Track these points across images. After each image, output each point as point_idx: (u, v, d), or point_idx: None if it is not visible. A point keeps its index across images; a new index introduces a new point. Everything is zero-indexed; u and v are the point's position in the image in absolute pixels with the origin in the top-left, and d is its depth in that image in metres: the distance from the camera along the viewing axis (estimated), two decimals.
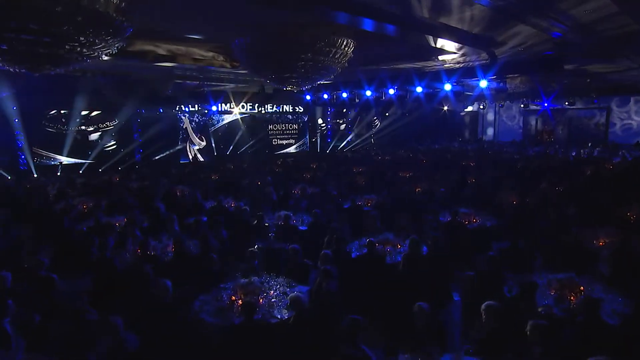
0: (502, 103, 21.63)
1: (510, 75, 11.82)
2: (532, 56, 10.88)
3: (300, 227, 8.69)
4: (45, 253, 8.32)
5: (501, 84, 10.75)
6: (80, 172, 18.54)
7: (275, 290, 5.57)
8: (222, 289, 5.55)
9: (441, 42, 10.26)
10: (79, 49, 7.32)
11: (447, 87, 11.80)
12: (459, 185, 12.23)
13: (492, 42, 10.34)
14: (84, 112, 19.03)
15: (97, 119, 19.62)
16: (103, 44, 7.51)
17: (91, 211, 9.36)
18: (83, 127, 19.26)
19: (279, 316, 5.03)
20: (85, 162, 19.22)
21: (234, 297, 5.42)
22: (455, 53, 11.40)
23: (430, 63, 12.91)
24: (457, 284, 6.53)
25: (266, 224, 8.55)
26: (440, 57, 12.03)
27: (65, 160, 18.71)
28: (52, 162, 18.49)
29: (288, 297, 5.03)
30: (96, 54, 7.72)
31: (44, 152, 18.39)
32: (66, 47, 7.23)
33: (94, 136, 19.56)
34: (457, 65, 12.22)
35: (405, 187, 12.02)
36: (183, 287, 5.75)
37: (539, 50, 10.56)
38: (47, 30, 6.78)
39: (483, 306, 4.40)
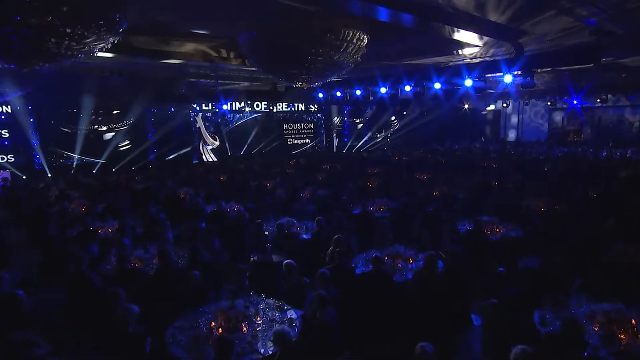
0: (527, 101, 20.22)
1: (538, 70, 10.60)
2: (563, 48, 9.70)
3: (303, 236, 7.81)
4: (32, 260, 7.78)
5: (528, 79, 9.58)
6: (94, 171, 18.22)
7: (263, 315, 4.71)
8: (202, 313, 4.73)
9: (462, 34, 9.23)
10: (66, 42, 6.65)
11: (468, 82, 10.69)
12: (480, 190, 11.11)
13: (519, 33, 9.23)
14: (98, 112, 18.68)
15: (112, 119, 19.25)
16: (94, 38, 6.83)
17: (84, 215, 8.68)
18: (97, 127, 18.92)
19: (262, 351, 4.16)
20: (98, 162, 18.84)
21: (213, 324, 4.58)
22: (477, 46, 10.32)
23: (449, 58, 11.83)
24: (478, 312, 5.52)
25: (266, 232, 7.69)
26: (461, 51, 10.95)
27: (79, 159, 18.38)
28: (66, 162, 18.18)
29: (272, 330, 4.14)
30: (87, 48, 7.05)
31: (58, 152, 18.10)
32: (52, 40, 6.57)
33: (108, 136, 19.18)
34: (479, 60, 11.09)
35: (422, 191, 10.99)
36: (159, 310, 4.96)
37: (571, 41, 9.39)
38: (29, 22, 6.13)
39: (516, 352, 3.42)
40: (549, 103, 18.47)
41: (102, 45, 7.15)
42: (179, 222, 8.87)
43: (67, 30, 6.33)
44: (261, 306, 4.89)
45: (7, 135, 17.24)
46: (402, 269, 6.13)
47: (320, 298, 4.52)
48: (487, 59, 10.72)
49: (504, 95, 17.87)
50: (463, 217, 8.51)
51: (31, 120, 17.62)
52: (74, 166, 18.19)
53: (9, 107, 17.03)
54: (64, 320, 5.34)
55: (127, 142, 19.63)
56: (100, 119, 18.98)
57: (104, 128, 19.10)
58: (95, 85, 16.00)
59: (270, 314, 4.72)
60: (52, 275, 6.75)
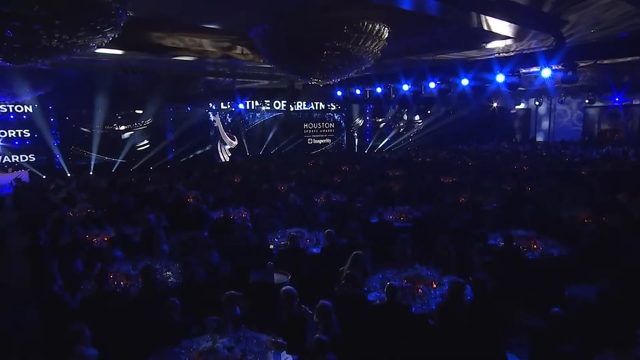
0: (563, 98, 18.59)
1: (582, 63, 9.24)
2: (611, 37, 8.40)
3: (313, 250, 6.86)
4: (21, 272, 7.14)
5: (570, 74, 8.33)
6: (113, 171, 17.90)
7: (251, 358, 3.80)
8: (178, 354, 3.85)
9: (494, 24, 8.09)
10: (57, 35, 5.95)
11: (500, 78, 9.49)
12: (512, 197, 9.89)
13: (559, 22, 8.01)
14: (116, 111, 18.35)
15: (130, 118, 18.88)
16: (90, 31, 6.10)
17: (81, 222, 7.98)
18: (116, 126, 18.58)
19: None
20: (117, 161, 18.47)
21: None
22: (509, 38, 9.12)
23: (478, 52, 10.63)
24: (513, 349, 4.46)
25: (271, 246, 6.77)
26: (491, 45, 9.76)
27: (98, 159, 18.06)
28: (84, 162, 17.90)
29: None
30: (83, 42, 6.33)
31: (78, 151, 17.85)
32: (40, 32, 5.89)
33: (127, 135, 18.81)
34: (512, 53, 9.85)
35: (448, 198, 9.87)
36: (132, 344, 4.13)
37: (619, 29, 8.10)
38: (13, 12, 5.46)
39: None
40: (587, 100, 16.88)
41: (100, 39, 6.43)
42: (183, 230, 8.14)
43: (56, 21, 5.65)
44: (251, 344, 3.98)
45: (29, 135, 17.07)
46: (423, 297, 5.10)
47: (319, 345, 3.57)
48: (520, 51, 9.47)
49: (539, 92, 16.39)
50: (494, 229, 7.38)
51: (52, 120, 17.42)
52: (92, 166, 17.93)
53: (31, 107, 16.84)
54: (33, 348, 4.59)
55: (145, 141, 19.23)
56: (119, 118, 18.66)
57: (123, 127, 18.76)
58: (114, 84, 15.62)
59: (259, 358, 3.81)
60: (36, 292, 6.05)
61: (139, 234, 7.53)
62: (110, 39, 6.46)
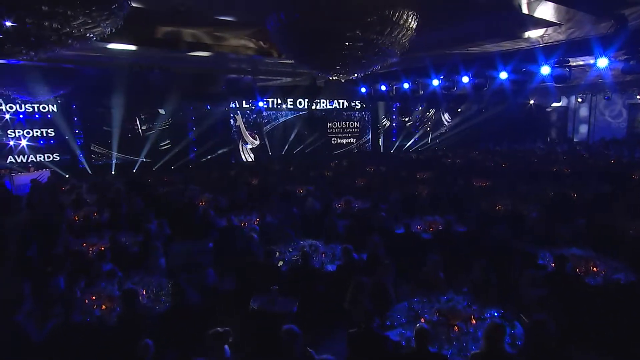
0: (609, 94, 16.68)
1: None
2: None
3: (328, 267, 5.85)
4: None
5: (632, 63, 6.98)
6: (134, 170, 17.49)
7: None
8: None
9: (539, 8, 6.86)
10: (46, 23, 5.28)
11: (545, 70, 8.18)
12: (556, 205, 8.57)
13: (619, 2, 6.69)
14: (138, 110, 17.91)
15: (153, 117, 18.40)
16: (84, 20, 5.40)
17: (77, 229, 7.26)
18: (138, 125, 18.15)
19: None
20: (138, 160, 18.02)
21: None
22: (556, 24, 7.81)
23: (517, 43, 9.31)
24: None
25: (280, 263, 5.80)
26: (534, 33, 8.45)
27: (120, 158, 17.66)
28: (107, 161, 17.54)
29: None
30: (79, 33, 5.64)
31: (100, 150, 17.51)
32: (28, 20, 5.24)
33: (149, 134, 18.34)
34: (560, 41, 8.49)
35: (483, 203, 8.67)
36: None
37: None
38: None
39: None
40: (638, 96, 15.05)
41: (99, 31, 5.71)
42: (187, 238, 7.33)
43: (43, 8, 4.95)
44: None
45: (53, 134, 16.82)
46: (460, 337, 4.01)
47: None
48: (575, 38, 8.10)
49: (592, 86, 14.44)
50: (541, 244, 6.18)
51: (75, 119, 17.13)
52: (114, 165, 17.57)
53: (55, 106, 16.59)
54: None
55: (167, 140, 18.73)
56: (141, 117, 18.22)
57: (145, 127, 18.31)
58: (136, 83, 15.11)
59: None
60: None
61: (138, 243, 6.75)
62: (111, 30, 5.75)
